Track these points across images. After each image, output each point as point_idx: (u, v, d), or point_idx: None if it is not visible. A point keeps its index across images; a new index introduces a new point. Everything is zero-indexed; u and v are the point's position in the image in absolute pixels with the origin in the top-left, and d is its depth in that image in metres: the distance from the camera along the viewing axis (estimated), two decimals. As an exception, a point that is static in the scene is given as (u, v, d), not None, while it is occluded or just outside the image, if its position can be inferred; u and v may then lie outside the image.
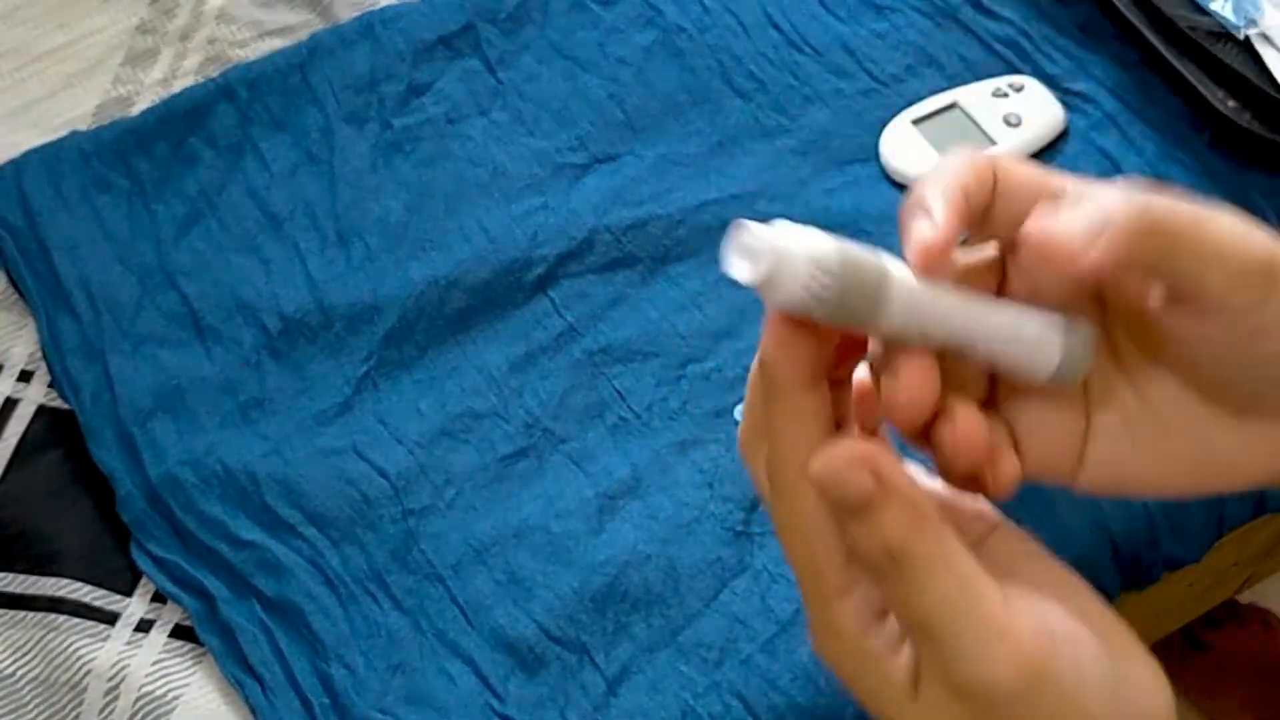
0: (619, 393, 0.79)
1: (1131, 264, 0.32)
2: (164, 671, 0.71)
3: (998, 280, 0.37)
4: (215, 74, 0.93)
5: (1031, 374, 0.35)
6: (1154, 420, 0.37)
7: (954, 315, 0.33)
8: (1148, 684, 0.34)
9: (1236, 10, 0.87)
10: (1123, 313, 0.37)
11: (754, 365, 0.35)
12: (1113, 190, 0.33)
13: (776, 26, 0.94)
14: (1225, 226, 0.33)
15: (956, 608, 0.31)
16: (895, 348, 0.34)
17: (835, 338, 0.34)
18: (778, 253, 0.31)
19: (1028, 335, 0.35)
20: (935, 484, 0.36)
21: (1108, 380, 0.37)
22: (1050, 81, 0.91)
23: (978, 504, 0.37)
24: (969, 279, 0.36)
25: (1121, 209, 0.32)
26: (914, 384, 0.33)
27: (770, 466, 0.34)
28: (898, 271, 0.32)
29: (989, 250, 0.37)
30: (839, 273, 0.31)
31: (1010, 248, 0.36)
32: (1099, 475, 0.37)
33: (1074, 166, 0.87)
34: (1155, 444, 0.37)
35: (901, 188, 0.87)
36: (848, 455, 0.31)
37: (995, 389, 0.38)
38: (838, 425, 0.35)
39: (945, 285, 0.33)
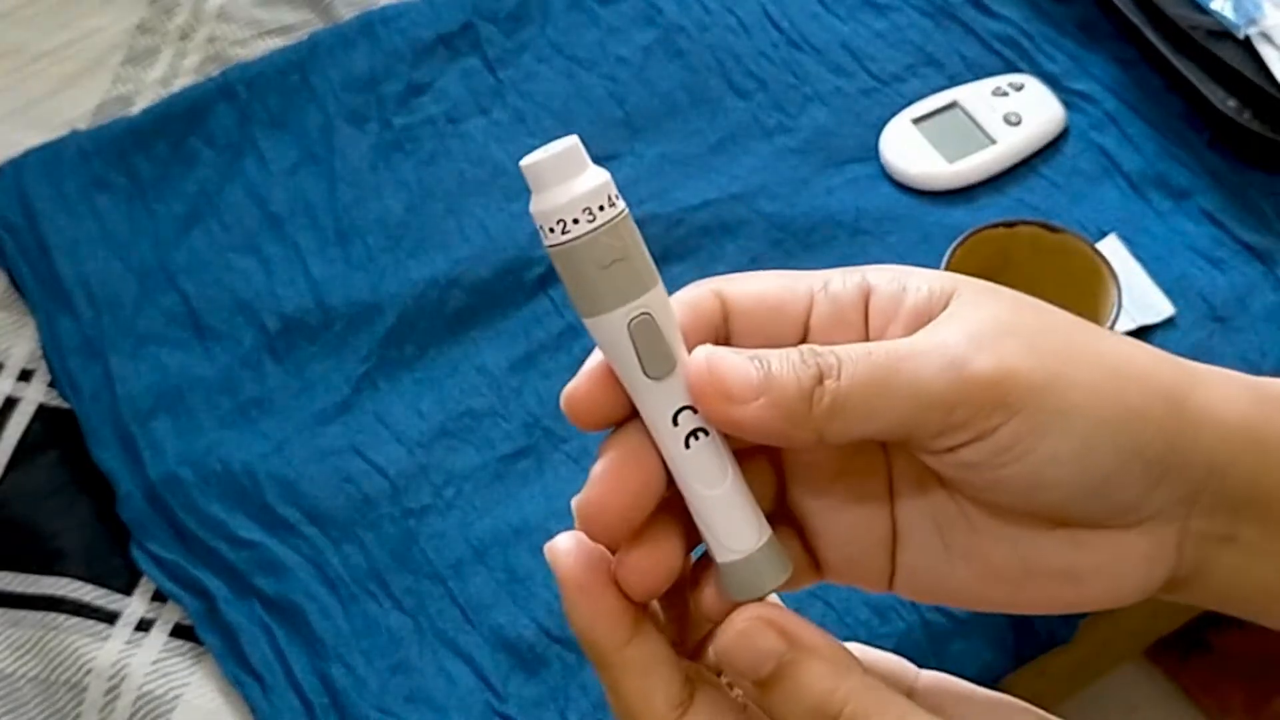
0: (619, 392, 0.79)
1: (797, 433, 0.30)
2: (164, 671, 0.71)
3: None
4: (215, 73, 0.93)
5: (719, 561, 0.32)
6: (966, 527, 0.32)
7: (661, 402, 0.31)
8: None
9: (1237, 9, 0.87)
10: (899, 461, 0.33)
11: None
12: (800, 357, 0.30)
13: (776, 26, 0.94)
14: (917, 372, 0.29)
15: (829, 700, 0.29)
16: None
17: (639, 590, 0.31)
18: (580, 154, 0.29)
19: (721, 526, 0.31)
20: (849, 645, 0.32)
21: (912, 480, 0.33)
22: (1050, 81, 0.91)
23: (891, 658, 0.34)
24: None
25: (794, 379, 0.29)
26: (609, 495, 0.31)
27: (584, 647, 0.32)
28: (655, 296, 0.30)
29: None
30: (613, 224, 0.29)
31: None
32: (914, 584, 0.34)
33: (1074, 166, 0.87)
34: (971, 553, 0.32)
35: (901, 187, 0.87)
36: (747, 622, 0.29)
37: (787, 488, 0.34)
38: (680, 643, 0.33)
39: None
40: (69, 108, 0.94)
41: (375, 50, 0.93)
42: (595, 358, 0.31)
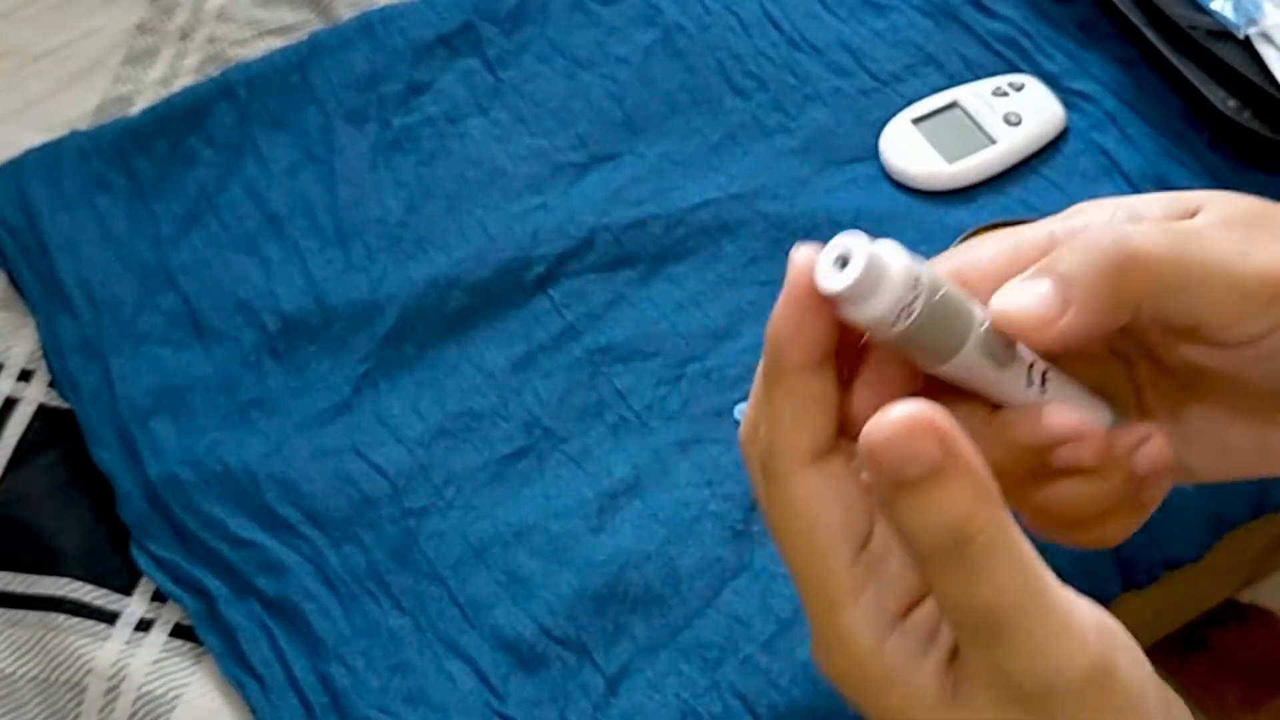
0: (619, 392, 0.79)
1: (1114, 318, 0.30)
2: (164, 671, 0.71)
3: None
4: (215, 73, 0.93)
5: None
6: (1204, 443, 0.34)
7: (1012, 379, 0.32)
8: (1182, 708, 0.31)
9: (1237, 9, 0.87)
10: (1141, 361, 0.35)
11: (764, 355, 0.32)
12: (1086, 236, 0.31)
13: (776, 25, 0.94)
14: (1213, 250, 0.30)
15: (1020, 598, 0.28)
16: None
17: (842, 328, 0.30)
18: (878, 265, 0.29)
19: (1076, 407, 0.33)
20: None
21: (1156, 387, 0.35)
22: (1050, 81, 0.91)
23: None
24: None
25: (1083, 267, 0.30)
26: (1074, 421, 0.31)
27: (767, 453, 0.30)
28: (979, 314, 0.31)
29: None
30: (933, 302, 0.29)
31: None
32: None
33: (1074, 166, 0.87)
34: (1209, 439, 0.34)
35: (901, 187, 0.87)
36: (911, 420, 0.27)
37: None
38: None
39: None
40: (69, 108, 0.94)
41: (375, 50, 0.93)
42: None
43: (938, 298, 0.30)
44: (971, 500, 0.27)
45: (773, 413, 0.30)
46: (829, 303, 0.30)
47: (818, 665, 0.31)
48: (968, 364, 0.31)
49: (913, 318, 0.29)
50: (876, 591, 0.30)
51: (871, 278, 0.29)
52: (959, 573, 0.28)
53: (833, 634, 0.30)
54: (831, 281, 0.29)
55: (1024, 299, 0.30)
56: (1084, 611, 0.30)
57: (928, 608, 0.30)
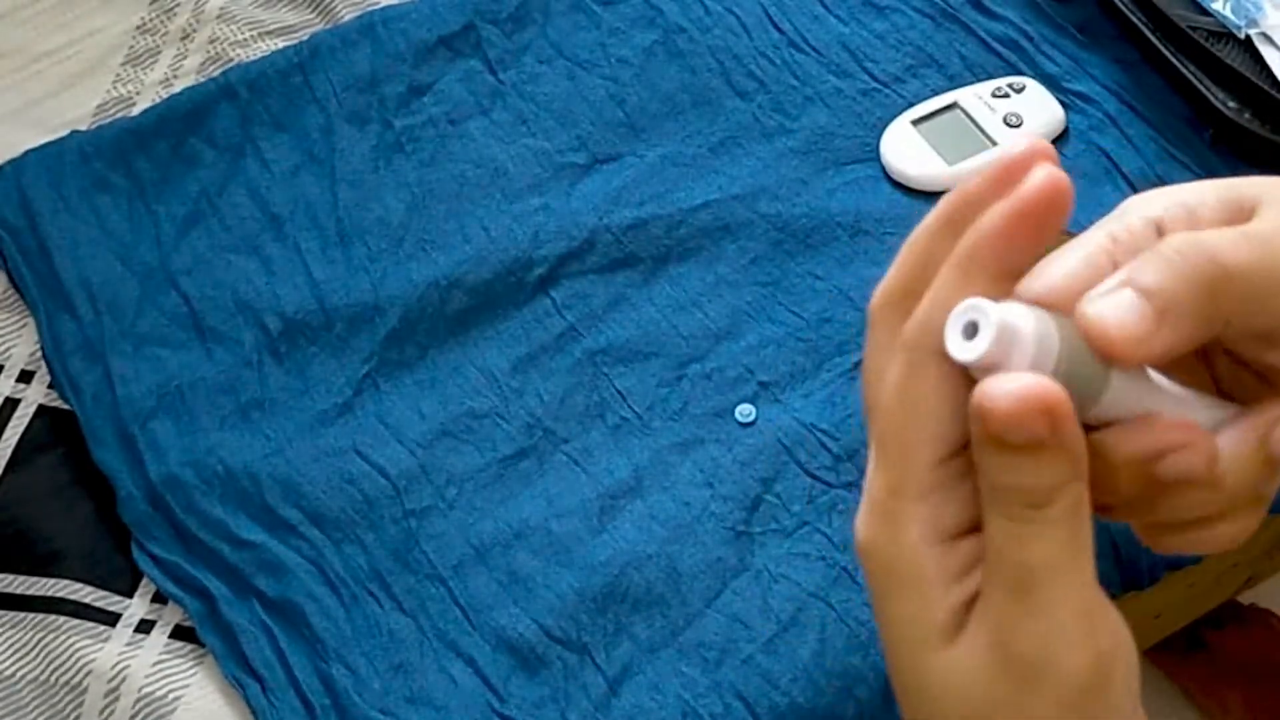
0: (620, 393, 0.79)
1: (1207, 333, 0.30)
2: (165, 672, 0.71)
3: None
4: (216, 74, 0.93)
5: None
6: None
7: (1146, 401, 0.32)
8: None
9: (1237, 10, 0.87)
10: (1218, 355, 0.35)
11: (927, 220, 0.32)
12: (1171, 247, 0.30)
13: (777, 26, 0.94)
14: (1259, 244, 0.30)
15: (1062, 572, 0.29)
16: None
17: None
18: (1009, 334, 0.28)
19: (1204, 419, 0.33)
20: None
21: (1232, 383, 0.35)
22: (1050, 81, 0.91)
23: None
24: None
25: (1175, 282, 0.29)
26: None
27: (911, 328, 0.30)
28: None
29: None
30: (1065, 366, 0.29)
31: None
32: None
33: (1074, 167, 0.87)
34: None
35: (901, 188, 0.87)
36: (1030, 398, 0.27)
37: None
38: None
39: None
40: (69, 108, 0.94)
41: (376, 51, 0.93)
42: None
43: (1076, 362, 0.29)
44: (1060, 475, 0.29)
45: (940, 294, 0.30)
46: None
47: (856, 533, 0.32)
48: (1116, 401, 0.30)
49: (1056, 359, 0.29)
50: (941, 501, 0.30)
51: (1002, 347, 0.28)
52: (1023, 526, 0.29)
53: (886, 516, 0.31)
54: (962, 351, 0.29)
55: (1117, 313, 0.29)
56: (1109, 615, 0.30)
57: (974, 542, 0.31)
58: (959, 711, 0.31)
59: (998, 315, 0.28)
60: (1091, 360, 0.30)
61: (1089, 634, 0.29)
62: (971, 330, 0.29)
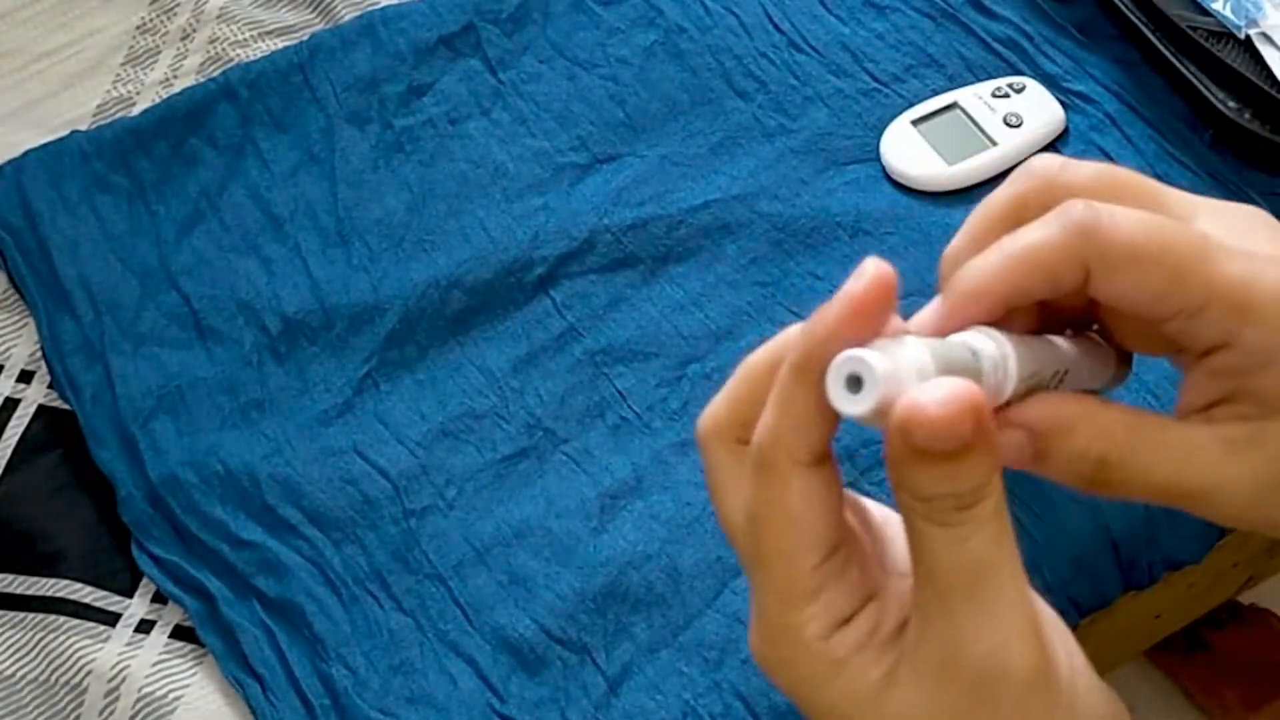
0: (620, 393, 0.79)
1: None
2: (165, 672, 0.71)
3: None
4: (216, 74, 0.93)
5: (1091, 386, 0.37)
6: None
7: (1043, 362, 0.34)
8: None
9: (1237, 10, 0.87)
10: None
11: (756, 353, 0.34)
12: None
13: (777, 27, 0.94)
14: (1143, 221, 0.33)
15: (999, 570, 0.30)
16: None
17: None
18: (886, 380, 0.29)
19: (1095, 359, 0.36)
20: None
21: None
22: (1050, 81, 0.91)
23: None
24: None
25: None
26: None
27: (769, 444, 0.31)
28: (985, 349, 0.32)
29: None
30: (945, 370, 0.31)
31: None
32: None
33: (1074, 167, 0.87)
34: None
35: (902, 188, 0.87)
36: (956, 400, 0.28)
37: None
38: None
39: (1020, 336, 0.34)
40: (69, 108, 0.94)
41: (376, 51, 0.93)
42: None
43: (946, 354, 0.31)
44: (987, 472, 0.29)
45: (786, 408, 0.31)
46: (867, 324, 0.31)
47: (756, 653, 0.33)
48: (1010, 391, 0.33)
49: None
50: (831, 594, 0.32)
51: (883, 397, 0.29)
52: (957, 529, 0.30)
53: (783, 627, 0.32)
54: (852, 405, 0.29)
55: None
56: (1042, 610, 0.32)
57: (871, 610, 0.33)
58: None
59: (880, 366, 0.29)
60: (967, 358, 0.31)
61: (1024, 631, 0.31)
62: (855, 384, 0.29)
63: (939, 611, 0.31)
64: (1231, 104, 0.86)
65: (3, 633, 0.73)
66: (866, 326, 0.30)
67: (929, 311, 0.34)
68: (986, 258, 0.33)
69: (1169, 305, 0.33)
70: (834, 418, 0.31)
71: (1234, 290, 0.32)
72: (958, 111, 0.89)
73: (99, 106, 0.94)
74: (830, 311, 0.30)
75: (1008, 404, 0.33)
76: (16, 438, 0.80)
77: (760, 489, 0.32)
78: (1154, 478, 0.34)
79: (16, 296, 0.85)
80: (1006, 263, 0.33)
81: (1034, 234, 0.33)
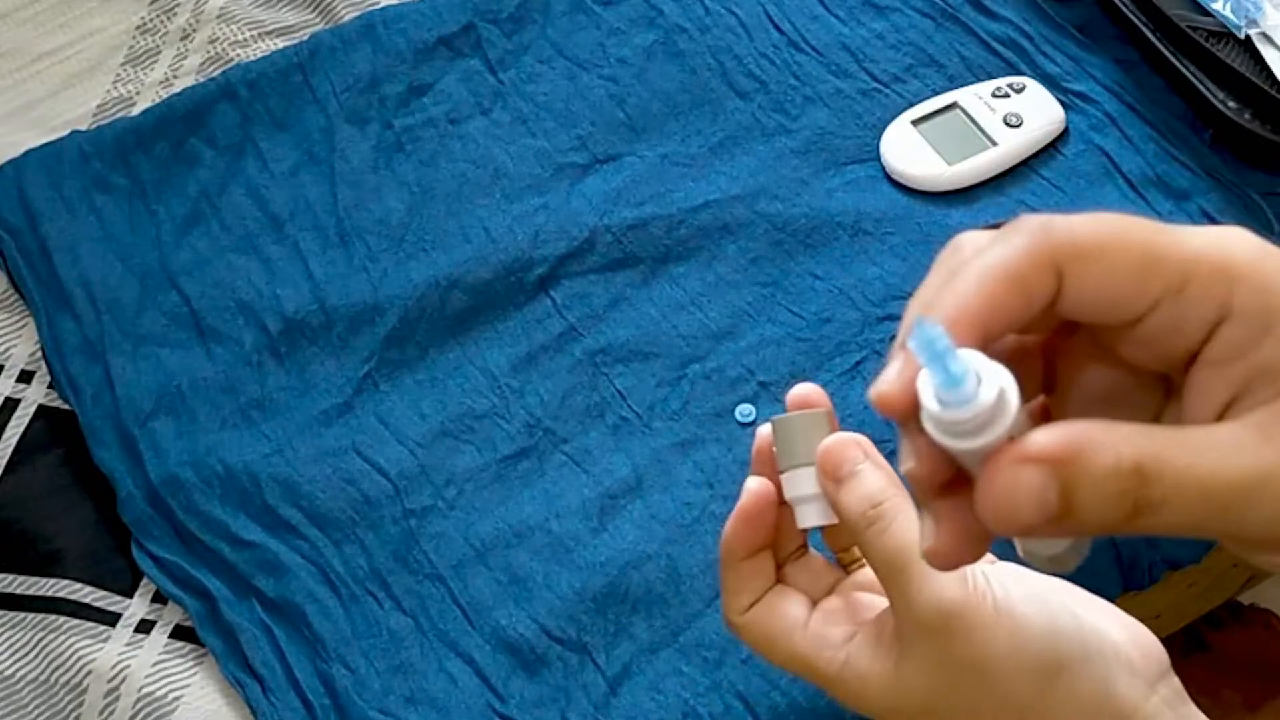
0: (620, 393, 0.79)
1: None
2: (165, 672, 0.71)
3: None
4: (216, 74, 0.93)
5: None
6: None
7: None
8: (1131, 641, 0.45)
9: (1237, 10, 0.87)
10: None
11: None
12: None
13: (777, 27, 0.94)
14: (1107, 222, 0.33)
15: (914, 548, 0.40)
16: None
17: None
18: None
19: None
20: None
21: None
22: (1050, 81, 0.91)
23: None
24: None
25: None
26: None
27: (725, 606, 0.46)
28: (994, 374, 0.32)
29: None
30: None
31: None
32: None
33: (1074, 168, 0.88)
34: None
35: (902, 188, 0.87)
36: (845, 440, 0.43)
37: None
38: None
39: None
40: (69, 108, 0.94)
41: (376, 51, 0.93)
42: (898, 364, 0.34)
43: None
44: (884, 482, 0.42)
45: (723, 584, 0.46)
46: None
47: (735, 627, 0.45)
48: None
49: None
50: (819, 621, 0.45)
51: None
52: (878, 525, 0.42)
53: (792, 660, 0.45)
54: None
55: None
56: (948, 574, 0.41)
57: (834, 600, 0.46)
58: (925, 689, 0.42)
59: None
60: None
61: (936, 578, 0.41)
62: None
63: (886, 586, 0.42)
64: (1231, 104, 0.86)
65: (3, 633, 0.73)
66: (759, 524, 0.46)
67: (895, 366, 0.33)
68: (958, 283, 0.32)
69: (1149, 290, 0.31)
70: (765, 575, 0.46)
71: (1211, 255, 0.31)
72: (958, 111, 0.89)
73: (99, 106, 0.94)
74: (730, 525, 0.46)
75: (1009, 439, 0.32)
76: (16, 438, 0.80)
77: (734, 630, 0.47)
78: (1198, 476, 0.30)
79: (16, 296, 0.85)
80: (980, 280, 0.32)
81: (997, 249, 0.32)
